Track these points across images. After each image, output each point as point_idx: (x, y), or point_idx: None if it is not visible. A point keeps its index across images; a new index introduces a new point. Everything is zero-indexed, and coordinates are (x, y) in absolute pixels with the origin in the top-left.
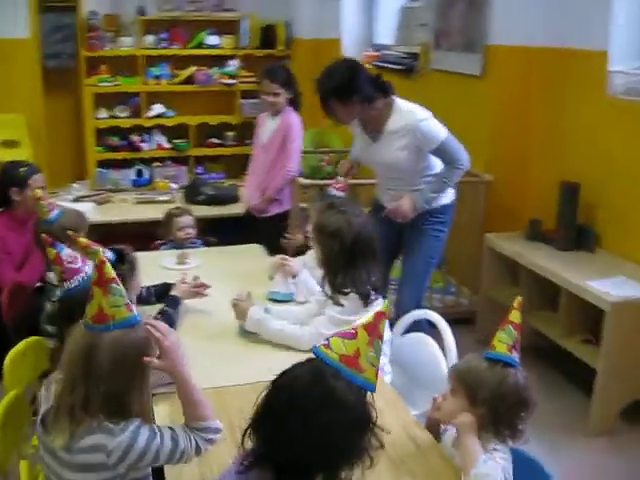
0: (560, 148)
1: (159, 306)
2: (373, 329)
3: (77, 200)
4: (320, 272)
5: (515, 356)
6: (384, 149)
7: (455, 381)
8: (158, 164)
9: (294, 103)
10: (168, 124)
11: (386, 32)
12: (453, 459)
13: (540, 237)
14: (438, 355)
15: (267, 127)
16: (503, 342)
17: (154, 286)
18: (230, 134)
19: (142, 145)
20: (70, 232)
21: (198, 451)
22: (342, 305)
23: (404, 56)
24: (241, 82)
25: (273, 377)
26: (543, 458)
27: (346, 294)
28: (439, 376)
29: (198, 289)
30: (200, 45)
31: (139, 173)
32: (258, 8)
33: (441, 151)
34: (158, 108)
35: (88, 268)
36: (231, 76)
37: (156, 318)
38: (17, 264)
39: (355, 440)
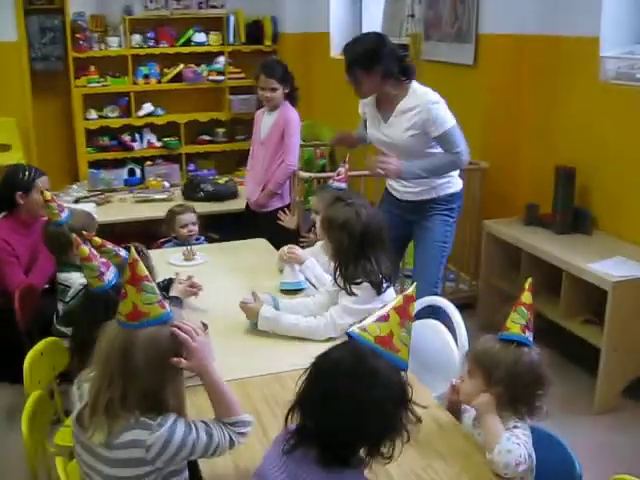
0: (554, 134)
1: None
2: (403, 311)
3: (77, 201)
4: (326, 257)
5: (529, 335)
6: (392, 129)
7: (472, 363)
8: (149, 163)
9: (291, 98)
10: (158, 123)
11: (374, 24)
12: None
13: (538, 221)
14: (449, 340)
15: (265, 122)
16: (516, 322)
17: (157, 283)
18: (220, 130)
19: (133, 144)
20: (84, 232)
21: (232, 445)
22: (355, 295)
23: None
24: (229, 78)
25: (294, 368)
26: None
27: (359, 284)
28: (450, 361)
29: (192, 289)
30: (187, 43)
31: (131, 172)
32: (244, 4)
33: (444, 139)
34: (148, 107)
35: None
36: (219, 73)
37: None
38: (24, 267)
39: (396, 415)
